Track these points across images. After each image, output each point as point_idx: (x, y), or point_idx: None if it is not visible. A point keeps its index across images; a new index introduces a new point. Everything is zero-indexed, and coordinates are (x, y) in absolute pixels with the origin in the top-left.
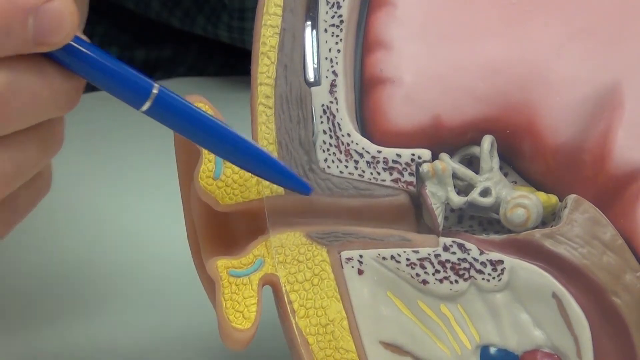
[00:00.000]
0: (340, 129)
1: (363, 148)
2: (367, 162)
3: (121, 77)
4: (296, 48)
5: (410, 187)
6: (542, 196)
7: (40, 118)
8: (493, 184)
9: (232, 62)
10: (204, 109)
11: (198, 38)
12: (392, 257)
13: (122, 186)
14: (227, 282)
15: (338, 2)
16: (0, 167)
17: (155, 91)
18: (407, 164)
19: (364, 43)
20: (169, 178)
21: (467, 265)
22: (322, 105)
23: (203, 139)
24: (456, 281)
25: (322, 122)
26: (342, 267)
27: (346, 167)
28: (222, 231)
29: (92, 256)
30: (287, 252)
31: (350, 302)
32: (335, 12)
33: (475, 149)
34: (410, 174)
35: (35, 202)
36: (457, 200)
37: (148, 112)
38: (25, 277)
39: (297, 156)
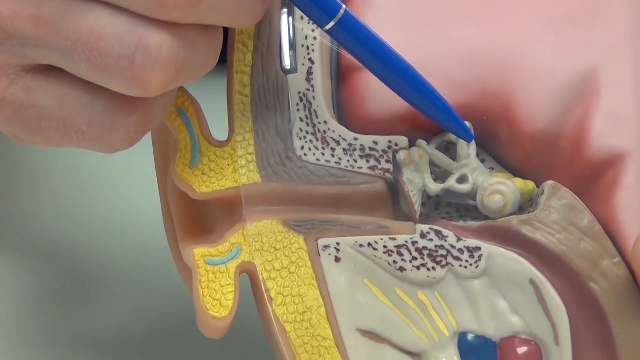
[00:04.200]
0: (316, 117)
1: (340, 135)
2: (344, 150)
3: None
4: (272, 35)
5: (387, 174)
6: (519, 182)
7: (220, 17)
8: (470, 171)
9: None
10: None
11: None
12: (369, 244)
13: (99, 174)
14: (203, 270)
15: None
16: (175, 53)
17: (342, 12)
18: (383, 151)
19: None
20: (145, 166)
21: (444, 252)
22: (299, 92)
23: (377, 67)
24: (433, 268)
25: (298, 110)
26: (319, 255)
27: (323, 154)
28: (198, 219)
29: (68, 244)
30: (263, 239)
31: (327, 290)
32: None
33: (452, 136)
34: (387, 161)
35: (164, 115)
36: (434, 187)
37: (330, 31)
38: (8, 267)
39: (273, 144)
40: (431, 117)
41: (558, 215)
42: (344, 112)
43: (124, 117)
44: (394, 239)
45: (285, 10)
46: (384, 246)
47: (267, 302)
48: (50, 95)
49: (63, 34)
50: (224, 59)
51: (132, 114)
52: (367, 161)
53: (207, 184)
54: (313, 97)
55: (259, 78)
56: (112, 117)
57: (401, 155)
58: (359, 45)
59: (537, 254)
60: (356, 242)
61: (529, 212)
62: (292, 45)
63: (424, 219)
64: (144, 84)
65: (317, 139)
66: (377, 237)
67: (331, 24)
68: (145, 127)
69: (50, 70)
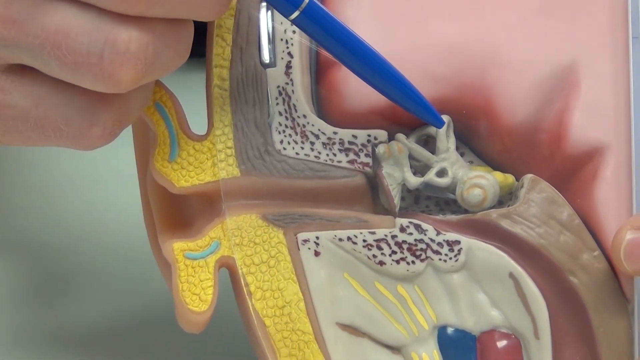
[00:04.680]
0: (295, 111)
1: (319, 129)
2: (323, 144)
3: None
4: (251, 30)
5: (367, 168)
6: (499, 176)
7: (185, 10)
8: (449, 164)
9: None
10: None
11: None
12: (349, 238)
13: (79, 169)
14: (183, 265)
15: None
16: (144, 48)
17: (306, 1)
18: (363, 145)
19: None
20: (126, 161)
21: (423, 246)
22: (278, 86)
23: (344, 56)
24: (413, 262)
25: (277, 104)
26: (299, 249)
27: (302, 148)
28: (178, 214)
29: (48, 239)
30: (243, 234)
31: (307, 284)
32: None
33: (431, 129)
34: (367, 155)
35: (141, 109)
36: (414, 180)
37: (296, 21)
38: None
39: (252, 138)
40: (398, 103)
41: (538, 208)
42: (324, 106)
43: (101, 113)
44: (373, 233)
45: (264, 4)
46: (364, 240)
47: (247, 297)
48: (26, 95)
49: (32, 33)
50: (202, 54)
51: (109, 110)
52: (347, 155)
53: (186, 178)
54: (292, 91)
55: (238, 72)
56: (89, 114)
57: (380, 149)
58: (324, 34)
59: (517, 247)
60: (336, 236)
61: (508, 206)
62: (271, 40)
63: (404, 213)
64: (115, 80)
65: (296, 133)
66: (356, 231)
67: (296, 13)
68: (123, 122)
69: (24, 71)
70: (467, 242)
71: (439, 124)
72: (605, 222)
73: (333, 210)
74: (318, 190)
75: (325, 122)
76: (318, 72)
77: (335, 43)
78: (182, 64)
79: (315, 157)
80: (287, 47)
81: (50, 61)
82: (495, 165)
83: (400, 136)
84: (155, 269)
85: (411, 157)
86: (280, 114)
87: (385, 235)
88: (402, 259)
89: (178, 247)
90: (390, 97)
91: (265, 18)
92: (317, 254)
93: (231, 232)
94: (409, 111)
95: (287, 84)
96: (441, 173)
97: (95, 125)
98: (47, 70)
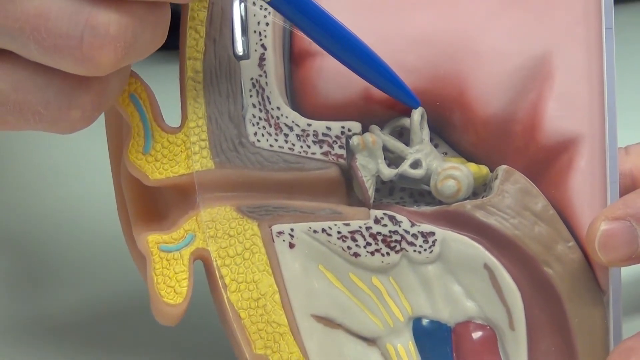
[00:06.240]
0: (269, 103)
1: (293, 121)
2: (297, 136)
3: None
4: (225, 21)
5: (341, 160)
6: (473, 167)
7: None
8: (423, 156)
9: None
10: (137, 86)
11: None
12: (323, 230)
13: (54, 161)
14: (157, 258)
15: None
16: (124, 31)
17: None
18: (337, 136)
19: None
20: (99, 153)
21: (398, 237)
22: (252, 78)
23: (320, 37)
24: (388, 253)
25: (251, 96)
26: (273, 241)
27: (276, 140)
28: (152, 206)
29: (21, 231)
30: (217, 226)
31: (282, 276)
32: None
33: (405, 121)
34: (341, 147)
35: (119, 92)
36: (388, 172)
37: (273, 4)
38: None
39: (227, 130)
40: (373, 83)
41: (512, 199)
42: (297, 98)
43: (80, 96)
44: (348, 224)
45: None
46: (338, 232)
47: (222, 289)
48: (4, 79)
49: (11, 17)
50: (176, 46)
51: (87, 93)
52: (321, 147)
53: (160, 170)
54: (266, 83)
55: (211, 64)
56: (67, 97)
57: (354, 140)
58: (302, 16)
59: (492, 238)
60: (310, 228)
61: (482, 197)
62: (245, 32)
63: (378, 204)
64: (94, 63)
65: (270, 125)
66: (331, 223)
67: None
68: (101, 105)
69: (2, 55)
70: (442, 233)
71: (415, 103)
72: (580, 212)
73: (307, 202)
74: (292, 182)
75: (299, 114)
76: (292, 64)
77: (312, 24)
78: (159, 46)
79: (289, 149)
80: (261, 39)
81: (30, 44)
82: (469, 157)
83: (374, 128)
84: (129, 262)
85: (385, 149)
86: (254, 106)
87: (360, 227)
88: (377, 250)
89: (152, 240)
90: (365, 77)
91: (238, 10)
92: (291, 245)
93: (205, 224)
94: (384, 91)
95: (260, 76)
96: (415, 164)
97: (75, 108)
98: (26, 53)
